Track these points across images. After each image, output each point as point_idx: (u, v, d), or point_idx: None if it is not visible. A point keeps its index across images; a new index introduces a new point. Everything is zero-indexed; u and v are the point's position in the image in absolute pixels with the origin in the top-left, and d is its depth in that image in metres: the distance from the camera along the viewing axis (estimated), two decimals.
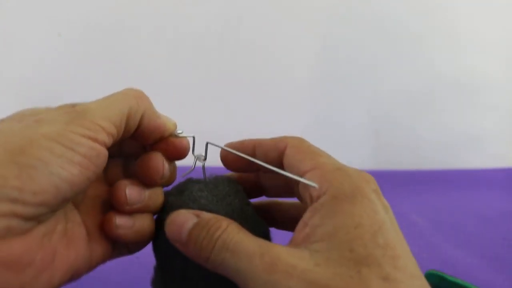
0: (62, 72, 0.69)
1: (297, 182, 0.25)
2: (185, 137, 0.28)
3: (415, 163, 0.76)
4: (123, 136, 0.24)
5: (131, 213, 0.25)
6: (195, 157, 0.28)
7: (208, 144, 0.28)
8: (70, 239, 0.23)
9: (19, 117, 0.22)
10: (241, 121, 0.73)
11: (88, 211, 0.25)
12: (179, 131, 0.27)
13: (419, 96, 0.75)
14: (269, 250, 0.21)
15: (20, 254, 0.19)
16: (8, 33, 0.67)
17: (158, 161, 0.26)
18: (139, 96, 0.25)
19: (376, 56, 0.72)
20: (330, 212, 0.22)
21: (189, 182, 0.28)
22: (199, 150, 0.29)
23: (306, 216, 0.23)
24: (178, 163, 0.28)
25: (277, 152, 0.27)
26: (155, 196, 0.26)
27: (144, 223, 0.26)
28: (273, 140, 0.28)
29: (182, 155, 0.27)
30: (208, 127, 0.72)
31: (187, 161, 0.28)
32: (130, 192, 0.25)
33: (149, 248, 0.28)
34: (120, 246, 0.27)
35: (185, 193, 0.27)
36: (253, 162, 0.27)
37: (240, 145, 0.29)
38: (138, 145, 0.28)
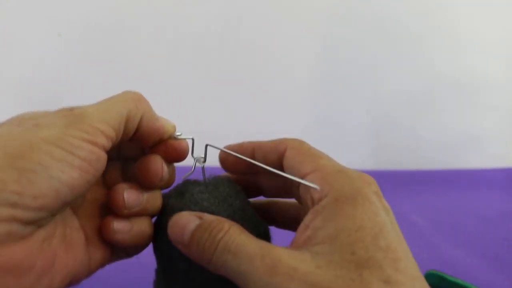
0: (62, 72, 0.69)
1: (297, 184, 0.25)
2: (184, 139, 0.27)
3: (415, 163, 0.76)
4: (122, 139, 0.24)
5: (129, 216, 0.25)
6: (194, 159, 0.28)
7: (208, 146, 0.28)
8: (69, 243, 0.23)
9: (18, 121, 0.22)
10: (241, 121, 0.73)
11: (87, 215, 0.25)
12: (178, 133, 0.27)
13: (419, 96, 0.75)
14: (271, 252, 0.21)
15: (20, 259, 0.19)
16: (8, 33, 0.67)
17: (157, 164, 0.26)
18: (138, 98, 0.25)
19: (376, 56, 0.72)
20: (332, 214, 0.22)
21: (189, 184, 0.28)
22: (199, 150, 0.28)
23: (307, 218, 0.23)
24: (177, 163, 0.28)
25: (277, 154, 0.27)
26: (153, 199, 0.26)
27: (142, 226, 0.26)
28: (272, 142, 0.28)
29: (181, 157, 0.27)
30: (208, 127, 0.72)
31: (185, 162, 0.28)
32: (128, 195, 0.25)
33: (149, 249, 0.28)
34: (119, 250, 0.26)
35: (186, 196, 0.27)
36: (252, 164, 0.27)
37: (239, 148, 0.29)
38: (136, 147, 0.28)
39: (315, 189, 0.23)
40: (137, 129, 0.25)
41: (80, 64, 0.69)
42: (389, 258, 0.20)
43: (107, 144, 0.22)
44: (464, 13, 0.71)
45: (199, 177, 0.29)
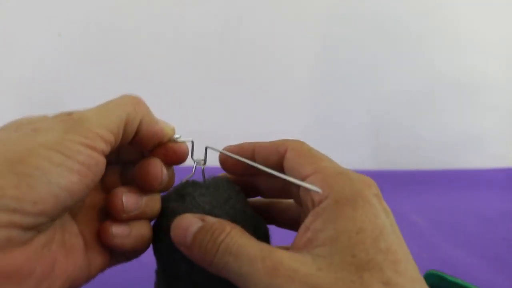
0: (62, 72, 0.69)
1: (297, 185, 0.25)
2: (184, 141, 0.27)
3: (415, 163, 0.76)
4: (121, 143, 0.24)
5: (128, 220, 0.25)
6: (195, 162, 0.28)
7: (207, 148, 0.28)
8: (68, 249, 0.23)
9: (16, 126, 0.22)
10: (241, 121, 0.73)
11: (85, 220, 0.25)
12: (177, 136, 0.27)
13: (419, 96, 0.75)
14: (271, 254, 0.21)
15: (20, 265, 0.19)
16: (8, 33, 0.67)
17: (157, 167, 0.26)
18: (137, 102, 0.25)
19: (376, 56, 0.72)
20: (332, 216, 0.22)
21: (189, 186, 0.28)
22: (198, 152, 0.28)
23: (307, 220, 0.23)
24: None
25: (278, 155, 0.27)
26: (152, 202, 0.26)
27: (141, 230, 0.26)
28: (273, 143, 0.28)
29: (181, 160, 0.27)
30: (208, 127, 0.72)
31: (184, 163, 0.28)
32: (127, 199, 0.25)
33: (149, 249, 0.28)
34: (118, 255, 0.26)
35: (187, 199, 0.26)
36: (252, 165, 0.27)
37: (239, 149, 0.29)
38: (135, 151, 0.28)
39: (317, 192, 0.23)
40: (136, 132, 0.25)
41: (80, 64, 0.69)
42: (389, 260, 0.20)
43: (106, 148, 0.22)
44: (464, 13, 0.71)
45: (196, 177, 0.28)
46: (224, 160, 0.29)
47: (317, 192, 0.23)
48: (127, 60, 0.69)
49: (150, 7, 0.67)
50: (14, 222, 0.19)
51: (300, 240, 0.22)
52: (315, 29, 0.70)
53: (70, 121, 0.22)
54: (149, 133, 0.25)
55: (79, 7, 0.66)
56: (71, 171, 0.20)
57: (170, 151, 0.27)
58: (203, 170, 0.28)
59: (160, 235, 0.27)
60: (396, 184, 0.67)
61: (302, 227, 0.23)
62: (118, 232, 0.25)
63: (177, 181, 0.29)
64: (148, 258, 0.27)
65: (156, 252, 0.28)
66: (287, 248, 0.22)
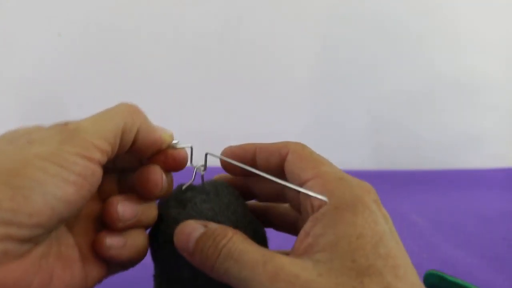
0: (62, 72, 0.69)
1: (294, 190, 0.25)
2: (183, 148, 0.27)
3: (415, 163, 0.76)
4: (118, 152, 0.24)
5: (124, 230, 0.25)
6: (194, 168, 0.28)
7: (207, 154, 0.28)
8: (65, 261, 0.23)
9: (11, 137, 0.22)
10: (241, 121, 0.73)
11: (81, 232, 0.25)
12: (175, 141, 0.27)
13: (419, 96, 0.75)
14: (273, 259, 0.21)
15: (18, 278, 0.19)
16: (8, 33, 0.67)
17: (157, 174, 0.26)
18: (133, 110, 0.24)
19: (376, 56, 0.72)
20: (332, 221, 0.22)
21: (188, 192, 0.27)
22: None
23: (307, 225, 0.23)
24: None
25: (279, 158, 0.27)
26: (148, 210, 0.26)
27: (136, 240, 0.25)
28: (274, 145, 0.28)
29: (181, 166, 0.27)
30: (208, 127, 0.72)
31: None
32: (123, 208, 0.24)
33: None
34: (115, 265, 0.26)
35: (188, 205, 0.26)
36: (253, 166, 0.27)
37: (241, 150, 0.28)
38: (132, 158, 0.28)
39: (323, 200, 0.23)
40: (134, 141, 0.24)
41: (80, 64, 0.69)
42: (389, 265, 0.20)
43: (102, 158, 0.22)
44: (464, 13, 0.71)
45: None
46: (226, 162, 0.29)
47: (324, 200, 0.23)
48: (127, 60, 0.69)
49: (150, 7, 0.67)
50: (10, 235, 0.18)
51: (300, 246, 0.22)
52: (315, 29, 0.70)
53: (66, 131, 0.21)
54: (147, 141, 0.25)
55: (79, 7, 0.66)
56: (67, 182, 0.20)
57: (169, 158, 0.26)
58: (202, 176, 0.28)
59: (161, 242, 0.26)
60: (396, 184, 0.67)
61: (302, 232, 0.23)
62: (113, 243, 0.24)
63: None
64: (148, 258, 0.27)
65: (156, 258, 0.28)
66: (287, 253, 0.22)
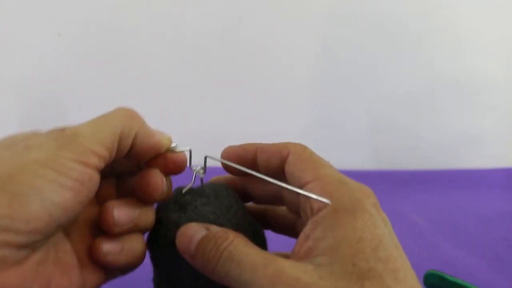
0: (62, 72, 0.69)
1: (292, 193, 0.25)
2: (182, 151, 0.27)
3: (415, 163, 0.76)
4: (116, 157, 0.24)
5: (121, 235, 0.25)
6: (194, 171, 0.28)
7: (206, 157, 0.28)
8: (63, 267, 0.22)
9: (8, 143, 0.21)
10: (241, 121, 0.73)
11: (78, 237, 0.25)
12: (173, 144, 0.27)
13: (419, 96, 0.75)
14: (273, 262, 0.21)
15: (16, 284, 0.19)
16: (8, 33, 0.67)
17: (158, 178, 0.25)
18: (131, 115, 0.24)
19: (376, 56, 0.72)
20: (332, 225, 0.22)
21: (187, 195, 0.27)
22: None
23: (307, 228, 0.23)
24: None
25: (280, 159, 0.27)
26: (146, 215, 0.26)
27: (133, 245, 0.25)
28: (275, 145, 0.28)
29: (180, 169, 0.27)
30: (208, 127, 0.72)
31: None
32: (119, 212, 0.24)
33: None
34: (113, 270, 0.26)
35: (188, 208, 0.26)
36: (254, 166, 0.27)
37: (242, 150, 0.29)
38: (130, 163, 0.27)
39: (326, 203, 0.23)
40: (132, 146, 0.24)
41: (80, 64, 0.69)
42: (389, 269, 0.21)
43: (100, 164, 0.22)
44: (464, 13, 0.71)
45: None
46: (226, 159, 0.29)
47: (326, 203, 0.23)
48: (127, 60, 0.69)
49: (150, 7, 0.67)
50: (7, 241, 0.18)
51: (300, 249, 0.22)
52: (315, 29, 0.70)
53: (63, 137, 0.21)
54: (146, 146, 0.25)
55: (79, 7, 0.66)
56: (64, 188, 0.20)
57: (169, 162, 0.26)
58: (202, 179, 0.28)
59: (161, 245, 0.26)
60: (396, 184, 0.67)
61: (302, 235, 0.23)
62: (109, 249, 0.24)
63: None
64: (147, 259, 0.27)
65: (156, 262, 0.28)
66: (286, 256, 0.23)
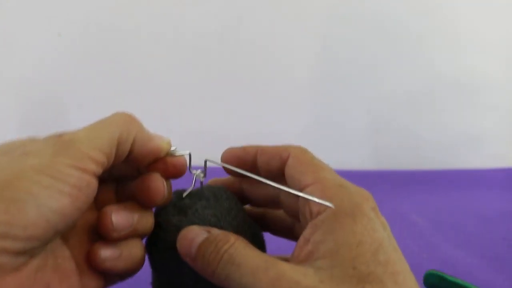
0: (62, 72, 0.69)
1: (290, 196, 0.25)
2: (182, 155, 0.27)
3: (415, 163, 0.76)
4: (115, 162, 0.24)
5: (119, 240, 0.24)
6: (194, 175, 0.28)
7: (206, 161, 0.28)
8: (62, 273, 0.22)
9: (5, 149, 0.21)
10: (241, 121, 0.73)
11: (77, 243, 0.24)
12: (172, 148, 0.27)
13: (419, 96, 0.75)
14: (274, 266, 0.21)
15: None
16: (8, 33, 0.67)
17: (159, 182, 0.25)
18: (129, 120, 0.24)
19: (376, 56, 0.72)
20: (331, 229, 0.22)
21: (187, 199, 0.27)
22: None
23: (306, 232, 0.23)
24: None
25: (280, 161, 0.27)
26: (145, 219, 0.25)
27: (132, 250, 0.25)
28: (275, 148, 0.28)
29: (180, 173, 0.27)
30: (208, 127, 0.72)
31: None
32: (117, 218, 0.24)
33: None
34: (112, 276, 0.26)
35: (189, 212, 0.26)
36: (254, 169, 0.27)
37: (242, 151, 0.29)
38: (129, 167, 0.27)
39: (329, 206, 0.23)
40: (131, 151, 0.24)
41: (80, 64, 0.69)
42: (388, 272, 0.21)
43: (97, 170, 0.22)
44: (464, 13, 0.71)
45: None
46: (226, 162, 0.29)
47: (328, 206, 0.23)
48: (127, 60, 0.69)
49: (150, 7, 0.67)
50: (4, 248, 0.18)
51: (300, 252, 0.23)
52: (315, 29, 0.70)
53: (60, 143, 0.21)
54: (144, 150, 0.25)
55: (79, 7, 0.66)
56: (62, 194, 0.20)
57: (169, 166, 0.26)
58: (201, 183, 0.28)
59: (161, 249, 0.26)
60: (396, 184, 0.67)
61: (301, 238, 0.23)
62: (107, 255, 0.24)
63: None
64: (146, 263, 0.27)
65: (155, 266, 0.27)
66: (286, 259, 0.23)
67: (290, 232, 0.30)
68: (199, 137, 0.69)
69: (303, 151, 0.27)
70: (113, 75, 0.69)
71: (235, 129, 0.72)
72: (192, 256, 0.23)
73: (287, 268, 0.21)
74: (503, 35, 0.73)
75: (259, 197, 0.30)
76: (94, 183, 0.22)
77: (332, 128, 0.75)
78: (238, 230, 0.25)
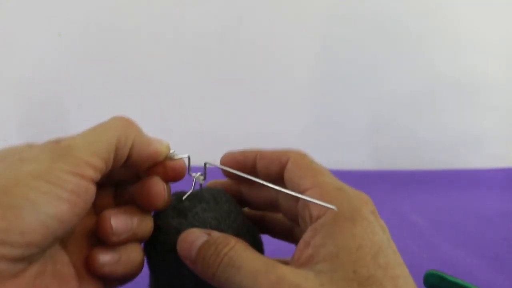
0: (62, 72, 0.69)
1: (294, 199, 0.25)
2: (181, 158, 0.27)
3: (415, 163, 0.76)
4: (113, 167, 0.23)
5: (118, 244, 0.24)
6: (193, 178, 0.28)
7: (206, 164, 0.28)
8: (61, 279, 0.22)
9: (2, 156, 0.21)
10: (241, 121, 0.73)
11: (76, 249, 0.24)
12: (171, 151, 0.26)
13: (419, 96, 0.75)
14: (274, 269, 0.21)
15: None
16: (8, 33, 0.67)
17: (159, 186, 0.25)
18: (127, 124, 0.24)
19: (376, 56, 0.72)
20: (331, 232, 0.22)
21: (186, 201, 0.27)
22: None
23: (306, 235, 0.23)
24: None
25: (279, 165, 0.27)
26: (144, 223, 0.25)
27: (131, 254, 0.25)
28: (275, 152, 0.28)
29: (180, 176, 0.27)
30: (208, 127, 0.72)
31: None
32: (116, 222, 0.24)
33: None
34: (111, 281, 0.25)
35: (189, 215, 0.26)
36: (254, 173, 0.27)
37: (242, 156, 0.29)
38: (128, 171, 0.27)
39: (321, 211, 0.23)
40: (129, 155, 0.24)
41: (80, 64, 0.69)
42: (388, 276, 0.21)
43: (96, 175, 0.22)
44: (464, 13, 0.71)
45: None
46: (226, 165, 0.29)
47: (331, 208, 0.23)
48: (127, 60, 0.69)
49: (150, 7, 0.67)
50: (2, 255, 0.18)
51: (300, 256, 0.23)
52: (315, 29, 0.70)
53: (58, 149, 0.21)
54: (143, 154, 0.25)
55: (79, 7, 0.66)
56: (60, 200, 0.20)
57: (168, 169, 0.26)
58: (201, 185, 0.28)
59: (160, 252, 0.26)
60: (396, 184, 0.67)
61: (301, 242, 0.23)
62: (106, 260, 0.24)
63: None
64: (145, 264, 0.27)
65: (154, 269, 0.27)
66: (286, 262, 0.23)
67: (289, 234, 0.30)
68: (199, 137, 0.69)
69: (302, 156, 0.27)
70: (113, 75, 0.69)
71: (235, 129, 0.72)
72: (192, 259, 0.23)
73: (288, 272, 0.21)
74: (503, 35, 0.73)
75: (257, 200, 0.30)
76: (92, 188, 0.22)
77: (332, 128, 0.75)
78: (238, 233, 0.25)
